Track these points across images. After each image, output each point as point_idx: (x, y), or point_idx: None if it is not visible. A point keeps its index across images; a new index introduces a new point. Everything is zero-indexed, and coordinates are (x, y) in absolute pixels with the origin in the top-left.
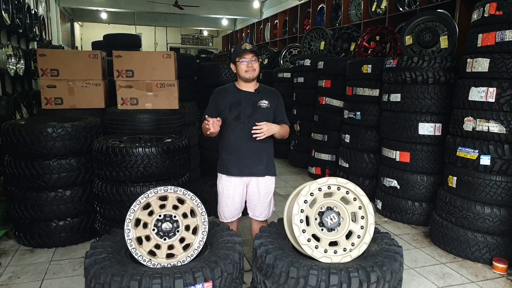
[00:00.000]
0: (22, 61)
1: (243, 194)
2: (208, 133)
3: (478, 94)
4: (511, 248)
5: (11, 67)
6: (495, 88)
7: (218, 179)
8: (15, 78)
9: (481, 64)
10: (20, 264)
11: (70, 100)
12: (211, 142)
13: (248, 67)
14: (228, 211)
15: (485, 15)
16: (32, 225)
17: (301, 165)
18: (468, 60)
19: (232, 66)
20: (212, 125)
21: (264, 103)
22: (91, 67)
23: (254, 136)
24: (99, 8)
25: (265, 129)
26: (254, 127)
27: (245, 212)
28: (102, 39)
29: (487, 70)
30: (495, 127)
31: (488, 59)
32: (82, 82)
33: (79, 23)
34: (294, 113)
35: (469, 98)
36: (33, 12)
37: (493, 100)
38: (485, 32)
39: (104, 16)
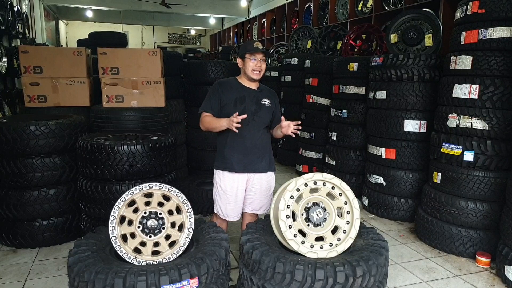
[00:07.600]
0: (4, 59)
1: (244, 190)
2: (212, 128)
3: (461, 91)
4: (494, 242)
5: None
6: (477, 85)
7: (219, 176)
8: None
9: (464, 62)
10: (2, 264)
11: (54, 98)
12: (198, 141)
13: (256, 66)
14: (231, 209)
15: (468, 13)
16: (14, 225)
17: (289, 163)
18: (452, 57)
19: (239, 60)
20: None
21: (266, 101)
22: (75, 65)
23: (293, 132)
24: (85, 6)
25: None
26: (295, 124)
27: None
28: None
29: (470, 68)
30: (478, 124)
31: (471, 57)
32: (67, 80)
33: (64, 21)
34: (282, 112)
35: (453, 95)
36: (16, 9)
37: (476, 97)
38: (468, 30)
39: (89, 14)
